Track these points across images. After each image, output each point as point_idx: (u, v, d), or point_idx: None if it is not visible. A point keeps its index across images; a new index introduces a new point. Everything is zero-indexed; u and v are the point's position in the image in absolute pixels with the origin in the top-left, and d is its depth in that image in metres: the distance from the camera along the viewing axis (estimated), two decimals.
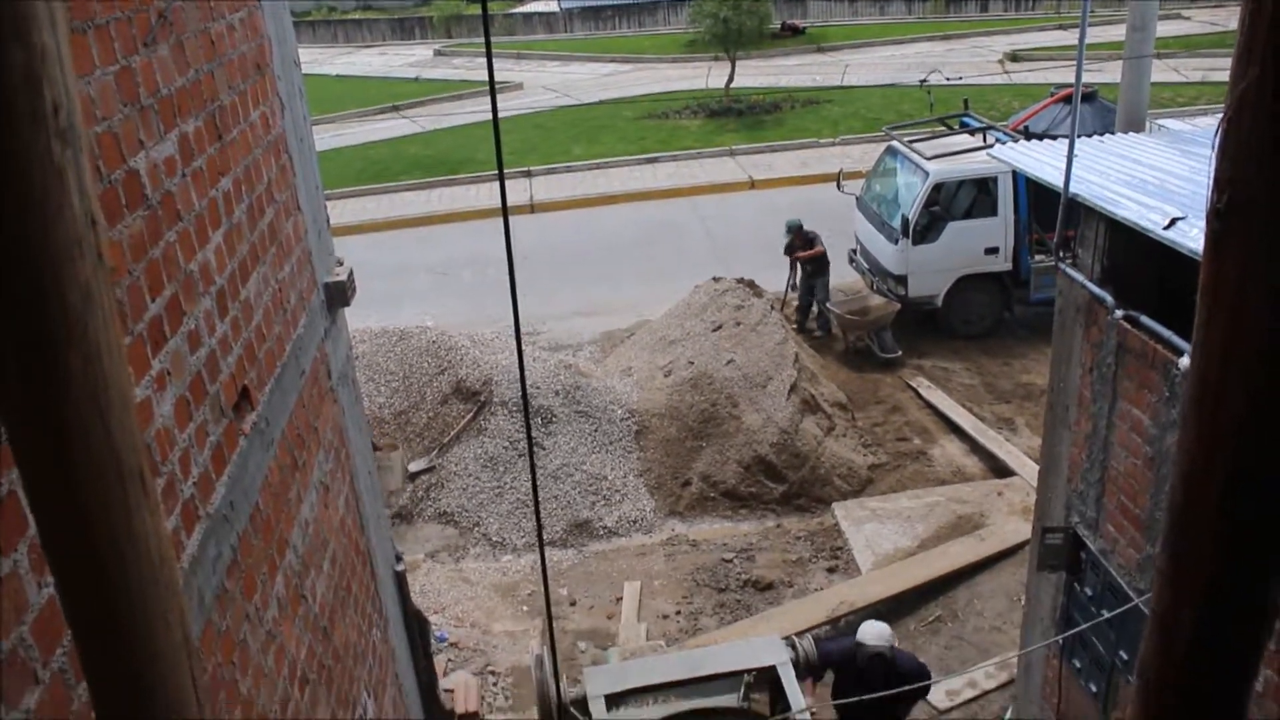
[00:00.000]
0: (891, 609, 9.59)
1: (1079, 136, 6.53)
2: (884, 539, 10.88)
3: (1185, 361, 5.18)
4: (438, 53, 37.80)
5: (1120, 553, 6.38)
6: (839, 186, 16.15)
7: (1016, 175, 13.53)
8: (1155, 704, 1.74)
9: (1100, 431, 6.45)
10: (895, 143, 15.55)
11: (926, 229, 14.32)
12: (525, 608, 10.38)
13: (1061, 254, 6.82)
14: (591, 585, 10.66)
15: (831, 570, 10.61)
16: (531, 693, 8.02)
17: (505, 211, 3.41)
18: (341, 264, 5.50)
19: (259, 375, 3.77)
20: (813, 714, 6.21)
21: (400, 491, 11.78)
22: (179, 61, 3.16)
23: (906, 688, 6.51)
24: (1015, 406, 13.34)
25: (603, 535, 11.39)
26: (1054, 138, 8.38)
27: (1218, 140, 1.35)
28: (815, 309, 15.40)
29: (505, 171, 3.38)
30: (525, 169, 23.28)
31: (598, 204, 21.60)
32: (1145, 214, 5.51)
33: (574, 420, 12.20)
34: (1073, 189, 6.25)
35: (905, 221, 14.20)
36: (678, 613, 10.15)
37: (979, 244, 14.37)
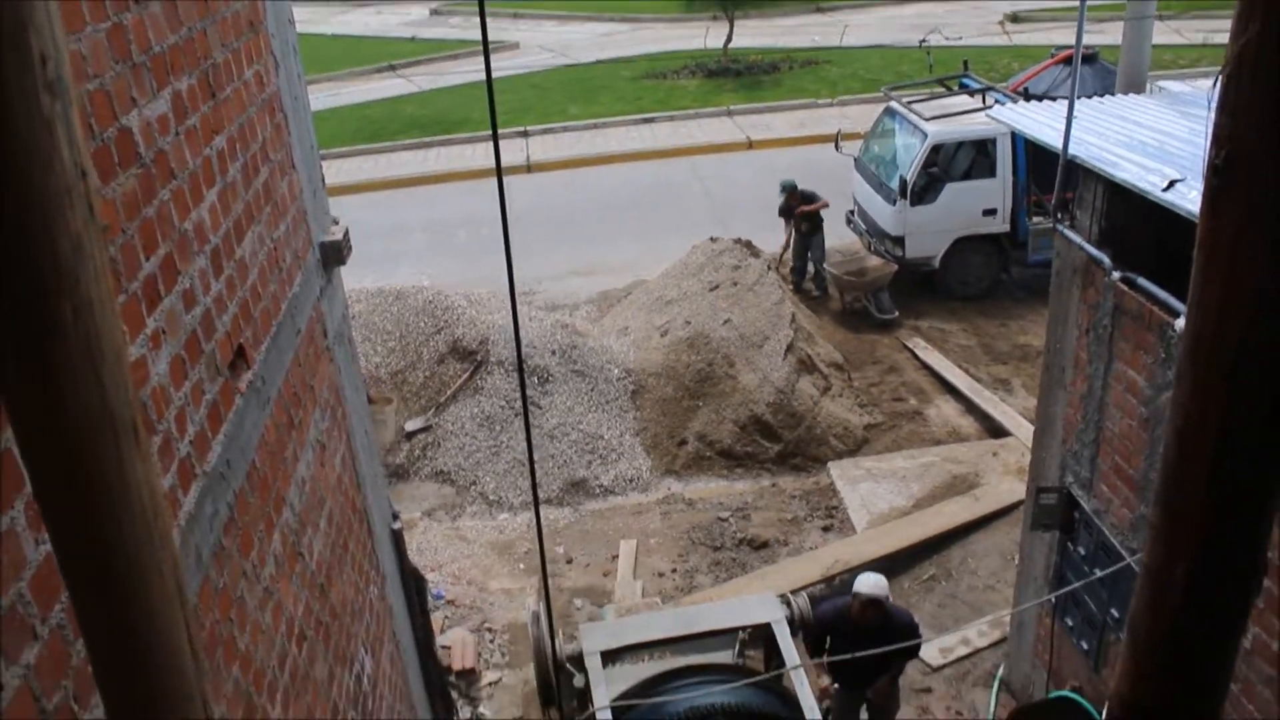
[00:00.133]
0: (886, 567, 9.63)
1: (1079, 98, 6.50)
2: (879, 498, 10.93)
3: (1181, 323, 5.18)
4: (434, 11, 37.43)
5: (1114, 512, 6.42)
6: (837, 147, 16.08)
7: (1015, 137, 13.48)
8: (1145, 659, 1.76)
9: (1095, 392, 6.47)
10: (894, 104, 15.46)
11: (924, 190, 14.27)
12: (522, 566, 10.44)
13: (1060, 216, 6.81)
14: (587, 543, 10.71)
15: (826, 529, 10.67)
16: (528, 649, 8.10)
17: (499, 173, 3.40)
18: (337, 223, 5.48)
19: (255, 334, 3.77)
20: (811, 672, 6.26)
21: (397, 449, 11.81)
22: (171, 18, 3.13)
23: (902, 644, 6.54)
24: (1011, 367, 13.36)
25: (599, 494, 11.43)
26: (1054, 99, 8.32)
27: (1217, 95, 1.35)
28: (812, 269, 15.38)
29: (501, 131, 3.36)
30: (522, 129, 23.13)
31: (595, 164, 21.48)
32: (1144, 176, 5.50)
33: (570, 380, 12.21)
34: (1072, 150, 6.23)
35: (903, 183, 14.16)
36: (673, 570, 10.21)
37: (977, 205, 14.33)
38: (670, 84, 26.40)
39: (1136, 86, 8.01)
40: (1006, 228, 14.48)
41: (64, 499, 1.18)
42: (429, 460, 11.78)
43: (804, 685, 5.84)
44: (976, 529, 10.25)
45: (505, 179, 2.80)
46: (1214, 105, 1.36)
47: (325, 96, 25.83)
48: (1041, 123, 6.99)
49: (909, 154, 14.42)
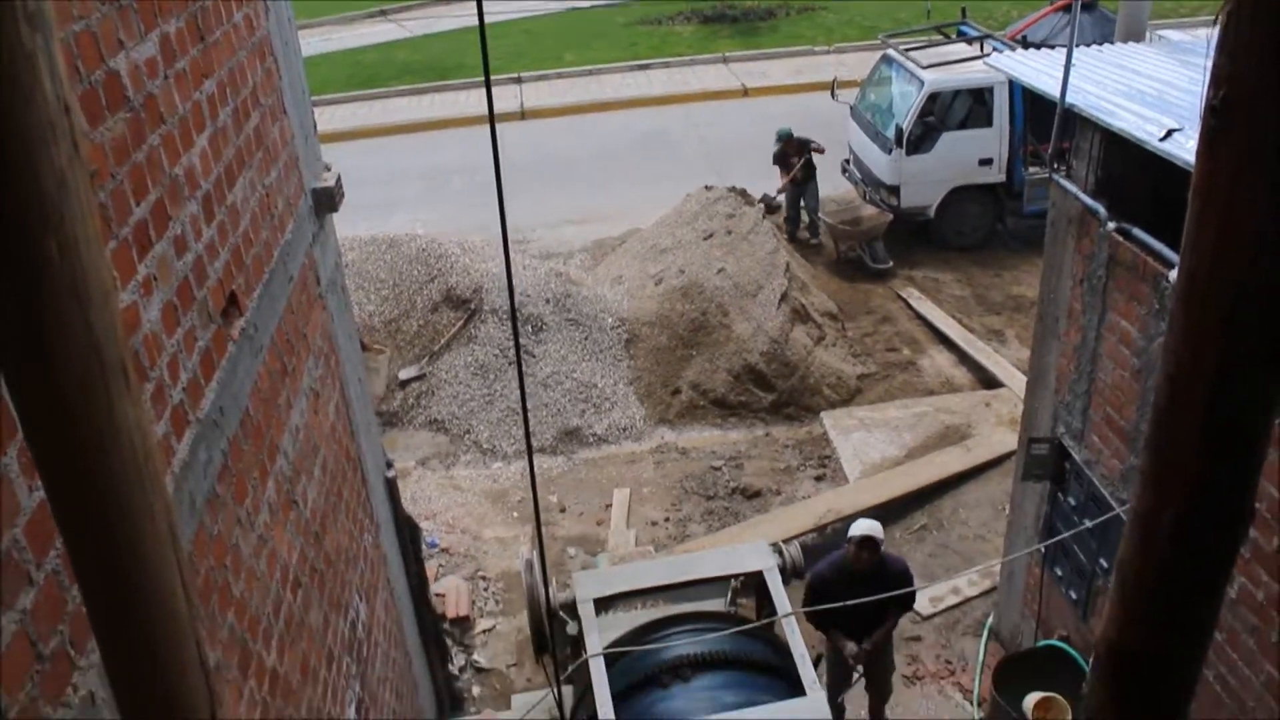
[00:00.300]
0: (878, 517, 9.60)
1: (1077, 46, 6.43)
2: (872, 448, 10.97)
3: (1176, 274, 5.18)
4: None
5: (1104, 463, 6.45)
6: (833, 95, 15.94)
7: (1013, 86, 13.39)
8: (1132, 604, 1.77)
9: (1089, 343, 6.47)
10: (891, 51, 15.31)
11: (920, 139, 14.17)
12: (515, 514, 10.49)
13: (1056, 165, 6.77)
14: (581, 492, 10.76)
15: (819, 479, 10.72)
16: (521, 597, 8.15)
17: (492, 121, 3.36)
18: (329, 169, 5.45)
19: (247, 281, 3.75)
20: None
21: (390, 397, 11.81)
22: None
23: (898, 592, 6.56)
24: (1005, 318, 13.36)
25: (592, 443, 11.46)
26: (1052, 47, 8.24)
27: (1216, 35, 1.33)
28: (806, 217, 15.33)
29: (494, 77, 3.32)
30: (515, 75, 22.90)
31: (589, 111, 21.30)
32: (1141, 125, 5.46)
33: (564, 328, 12.20)
34: (1069, 99, 6.17)
35: (899, 131, 14.06)
36: (666, 519, 10.26)
37: (973, 155, 14.25)
38: (665, 30, 26.12)
39: (1136, 35, 7.94)
40: (1002, 178, 14.41)
41: (53, 440, 1.18)
42: (423, 409, 11.79)
43: (795, 634, 5.89)
44: (968, 479, 10.30)
45: (499, 126, 2.77)
46: (1212, 47, 1.34)
47: (317, 41, 25.54)
48: (1039, 71, 6.93)
49: (905, 102, 14.31)
